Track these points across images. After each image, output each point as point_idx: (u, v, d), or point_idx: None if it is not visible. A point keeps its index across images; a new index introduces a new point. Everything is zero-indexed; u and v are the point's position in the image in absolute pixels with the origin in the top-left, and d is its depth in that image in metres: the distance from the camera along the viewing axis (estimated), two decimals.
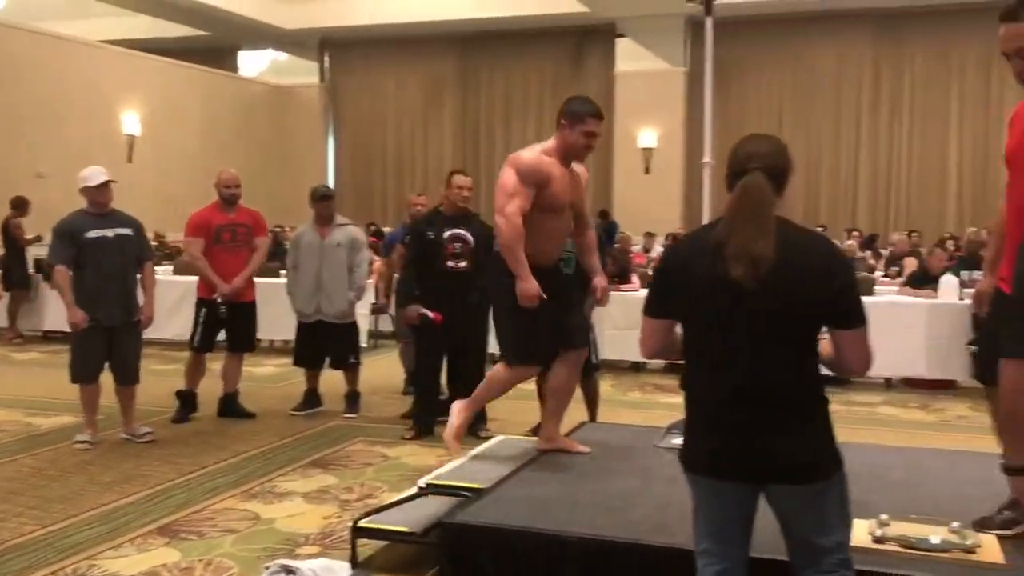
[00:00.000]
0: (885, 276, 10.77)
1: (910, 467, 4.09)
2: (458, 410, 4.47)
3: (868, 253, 12.93)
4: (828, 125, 16.73)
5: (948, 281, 8.12)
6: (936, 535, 3.12)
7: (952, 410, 7.30)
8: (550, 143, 4.29)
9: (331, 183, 19.72)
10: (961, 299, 7.74)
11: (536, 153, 4.25)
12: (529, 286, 4.12)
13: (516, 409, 6.86)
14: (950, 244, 12.69)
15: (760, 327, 2.32)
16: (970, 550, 3.06)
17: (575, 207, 4.41)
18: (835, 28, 16.32)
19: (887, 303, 7.94)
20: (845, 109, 16.73)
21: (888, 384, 8.22)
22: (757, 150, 2.40)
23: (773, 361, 2.34)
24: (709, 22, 4.70)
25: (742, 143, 2.45)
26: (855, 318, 2.37)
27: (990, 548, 3.07)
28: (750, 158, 2.38)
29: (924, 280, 8.56)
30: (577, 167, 4.39)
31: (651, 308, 2.54)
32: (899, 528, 3.16)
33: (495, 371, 4.50)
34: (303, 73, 19.87)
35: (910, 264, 10.51)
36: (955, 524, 3.14)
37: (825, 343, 2.42)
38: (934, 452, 4.63)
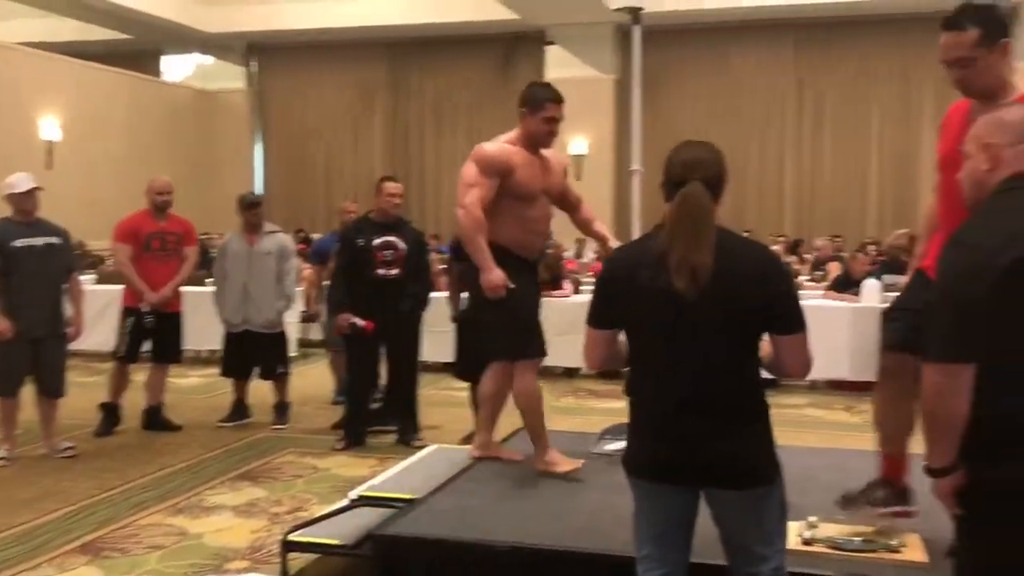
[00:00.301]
0: (810, 280, 11.00)
1: (837, 468, 4.17)
2: (541, 456, 4.24)
3: (793, 258, 13.19)
4: (754, 132, 17.04)
5: (870, 285, 8.34)
6: (862, 536, 3.18)
7: None
8: (513, 133, 4.24)
9: (259, 189, 19.41)
10: (883, 302, 7.93)
11: (498, 143, 4.20)
12: (493, 276, 4.00)
13: (450, 417, 6.84)
14: (871, 249, 13.02)
15: (703, 335, 2.35)
16: (895, 550, 3.13)
17: (552, 193, 4.31)
18: (760, 37, 16.63)
19: (812, 307, 8.03)
20: (770, 116, 17.06)
21: (813, 386, 8.39)
22: (695, 160, 2.42)
23: (716, 368, 2.37)
24: (637, 31, 4.74)
25: (678, 151, 2.47)
26: (795, 323, 2.42)
27: (914, 547, 3.15)
28: (688, 168, 2.40)
29: (847, 284, 8.76)
30: (550, 153, 4.33)
31: (594, 319, 2.54)
32: (827, 530, 3.22)
33: (521, 387, 4.26)
34: (229, 78, 19.55)
35: (834, 268, 10.75)
36: (880, 524, 3.21)
37: (765, 345, 2.46)
38: (859, 453, 4.72)
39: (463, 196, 4.09)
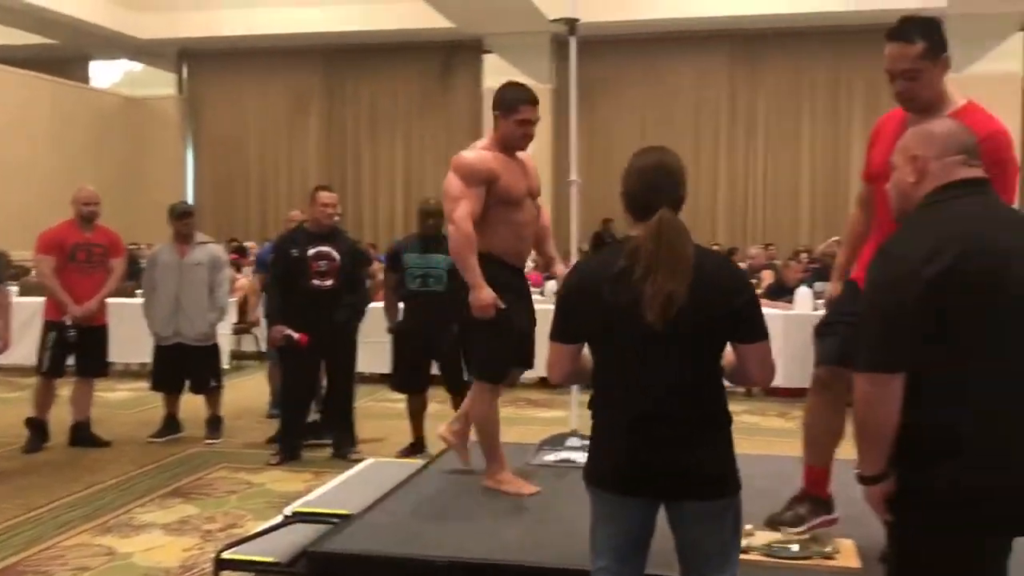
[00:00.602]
0: None
1: (772, 475, 4.20)
2: (493, 484, 4.06)
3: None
4: (688, 142, 17.26)
5: (803, 292, 8.49)
6: (797, 543, 3.22)
7: None
8: (486, 139, 4.12)
9: (190, 198, 19.06)
10: (815, 309, 8.08)
11: (475, 151, 4.07)
12: (483, 295, 3.82)
13: (387, 430, 6.77)
14: (804, 256, 13.26)
15: (668, 347, 2.35)
16: (829, 556, 3.17)
17: (533, 195, 4.16)
18: (694, 48, 16.87)
19: None
20: (704, 126, 17.30)
21: (748, 393, 8.50)
22: (664, 184, 2.41)
23: (681, 379, 2.38)
24: (573, 42, 4.74)
25: (643, 169, 2.44)
26: (758, 332, 2.44)
27: (847, 554, 3.19)
28: (656, 192, 2.39)
29: (780, 292, 8.90)
30: (524, 156, 4.19)
31: (558, 333, 2.53)
32: (763, 538, 3.25)
33: (473, 406, 4.11)
34: (160, 85, 19.16)
35: (767, 276, 10.91)
36: (814, 531, 3.25)
37: (728, 354, 2.47)
38: (794, 459, 4.78)
39: (452, 211, 3.91)
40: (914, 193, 2.24)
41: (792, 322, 8.10)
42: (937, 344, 2.07)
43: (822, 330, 3.28)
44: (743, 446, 5.07)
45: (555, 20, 4.86)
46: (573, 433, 4.71)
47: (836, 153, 16.72)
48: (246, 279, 10.17)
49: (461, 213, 3.88)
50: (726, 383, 2.50)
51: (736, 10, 15.14)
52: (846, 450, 3.89)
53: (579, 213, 4.97)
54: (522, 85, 4.14)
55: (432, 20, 15.38)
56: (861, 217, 3.37)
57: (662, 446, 2.37)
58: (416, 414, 6.15)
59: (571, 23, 4.58)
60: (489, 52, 16.84)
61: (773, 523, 3.26)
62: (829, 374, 3.20)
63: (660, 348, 2.35)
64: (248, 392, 8.29)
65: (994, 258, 2.07)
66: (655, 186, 2.41)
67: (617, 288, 2.35)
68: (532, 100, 4.02)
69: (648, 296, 2.30)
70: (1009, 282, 2.06)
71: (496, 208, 3.96)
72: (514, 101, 4.00)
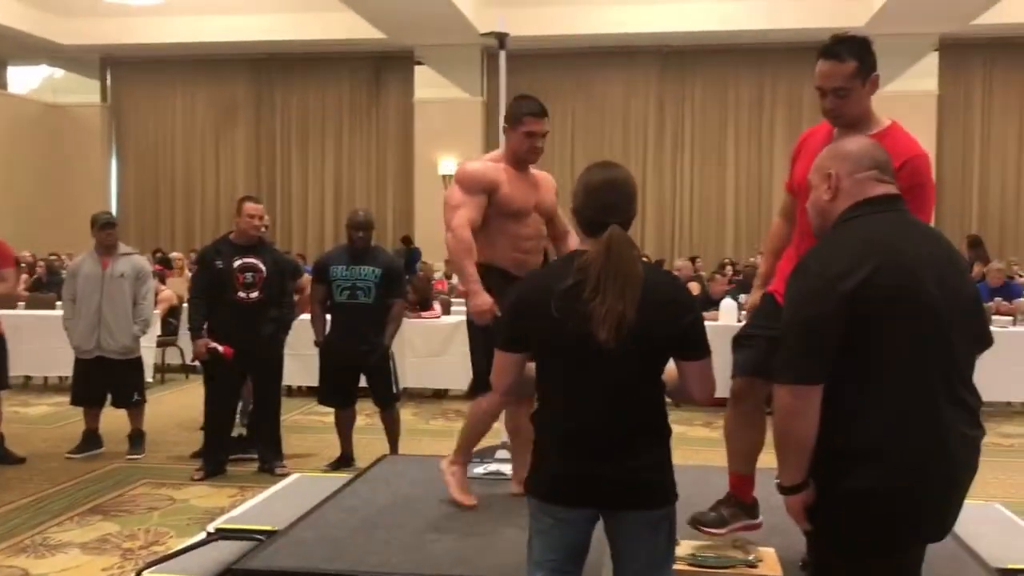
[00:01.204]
0: None
1: (697, 484, 4.26)
2: (445, 468, 4.01)
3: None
4: (617, 155, 17.44)
5: (727, 305, 8.64)
6: (719, 552, 3.26)
7: None
8: (498, 151, 4.07)
9: (113, 207, 18.65)
10: (739, 321, 8.22)
11: (481, 161, 4.03)
12: (480, 300, 3.78)
13: (315, 443, 6.70)
14: (729, 269, 13.50)
15: (613, 361, 2.37)
16: (752, 564, 3.22)
17: (543, 211, 4.07)
18: (624, 62, 17.08)
19: None
20: (632, 140, 17.51)
21: (676, 404, 8.60)
22: (616, 202, 2.43)
23: (625, 393, 2.40)
24: (503, 56, 4.76)
25: (595, 187, 2.45)
26: (702, 349, 2.48)
27: (769, 562, 3.25)
28: (608, 211, 2.41)
29: (706, 304, 9.04)
30: (541, 173, 4.12)
31: (504, 341, 2.54)
32: (686, 547, 3.29)
33: (476, 402, 4.01)
34: (82, 91, 18.71)
35: (694, 289, 11.06)
36: (736, 540, 3.30)
37: (669, 371, 2.50)
38: (719, 469, 4.85)
39: (450, 219, 3.86)
40: (831, 210, 2.31)
41: (717, 334, 8.08)
42: (854, 355, 2.13)
43: (740, 341, 3.34)
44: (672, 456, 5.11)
45: (485, 34, 4.87)
46: (502, 445, 4.71)
47: (760, 167, 17.08)
48: (170, 290, 9.98)
49: (459, 220, 3.85)
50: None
51: (664, 26, 15.39)
52: (769, 459, 3.98)
53: None
54: (529, 97, 4.03)
55: (363, 31, 15.31)
56: (783, 227, 3.43)
57: (603, 457, 2.39)
58: (344, 428, 6.09)
59: (501, 37, 4.60)
60: (420, 63, 16.82)
61: (696, 523, 3.30)
62: (746, 385, 3.26)
63: (605, 363, 2.37)
64: (172, 406, 8.12)
65: (907, 271, 2.14)
66: (605, 203, 2.42)
67: (565, 304, 2.36)
68: (537, 112, 3.92)
69: (599, 316, 2.32)
70: (921, 293, 2.14)
71: (497, 219, 3.93)
72: (519, 113, 3.93)
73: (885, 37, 14.94)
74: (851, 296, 2.09)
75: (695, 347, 2.47)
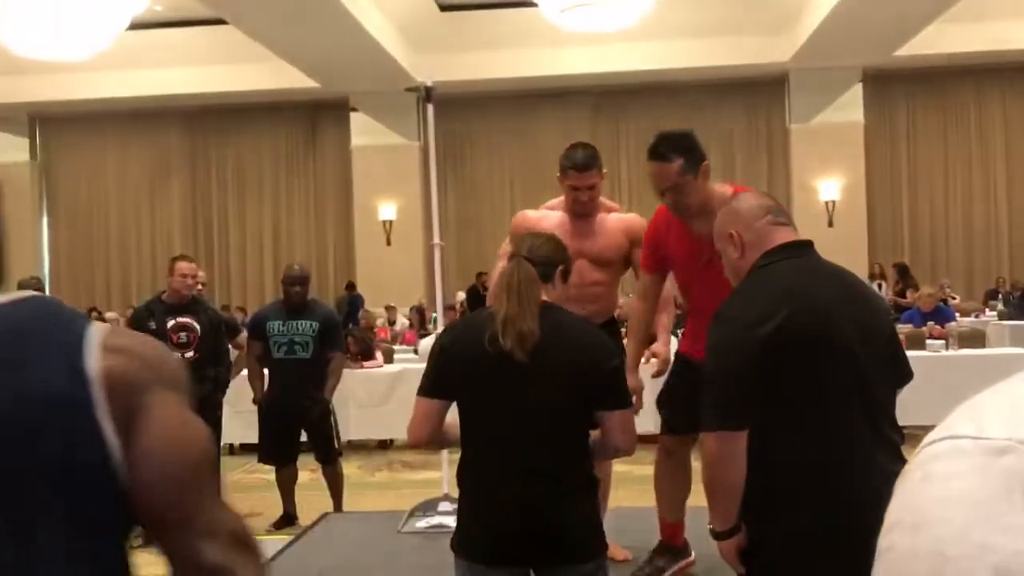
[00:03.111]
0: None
1: (640, 522, 4.26)
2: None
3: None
4: (555, 196, 17.60)
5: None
6: None
7: None
8: (560, 198, 3.98)
9: (46, 266, 18.25)
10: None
11: (539, 209, 4.02)
12: None
13: (257, 502, 6.55)
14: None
15: (536, 410, 2.38)
16: None
17: (591, 257, 3.81)
18: (558, 104, 17.24)
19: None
20: None
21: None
22: (532, 243, 2.58)
23: (549, 443, 2.40)
24: (430, 109, 4.77)
25: (526, 237, 2.68)
26: (623, 399, 2.49)
27: None
28: (521, 247, 2.55)
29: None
30: (614, 217, 3.95)
31: (426, 388, 2.52)
32: None
33: None
34: (11, 150, 18.34)
35: None
36: None
37: (594, 434, 2.52)
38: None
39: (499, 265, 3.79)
40: (743, 266, 2.37)
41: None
42: (778, 399, 2.17)
43: (660, 400, 3.49)
44: (617, 496, 5.14)
45: (410, 88, 4.88)
46: (445, 497, 4.66)
47: None
48: None
49: (495, 271, 3.74)
50: None
51: (596, 67, 15.61)
52: (699, 498, 4.00)
53: (444, 275, 4.99)
54: (576, 148, 3.90)
55: (296, 80, 15.27)
56: (645, 308, 3.57)
57: (533, 509, 2.37)
58: (286, 486, 5.98)
59: (427, 91, 4.60)
60: (355, 110, 16.83)
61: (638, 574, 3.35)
62: (670, 442, 3.42)
63: (525, 410, 2.38)
64: None
65: (821, 314, 2.20)
66: (524, 243, 2.59)
67: (486, 342, 2.39)
68: (577, 166, 3.79)
69: (499, 325, 2.37)
70: (837, 334, 2.19)
71: None
72: (563, 166, 3.85)
73: (810, 71, 15.43)
74: (768, 341, 2.13)
75: (617, 394, 2.49)
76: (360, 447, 8.54)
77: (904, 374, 2.39)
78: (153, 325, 5.66)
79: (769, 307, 2.17)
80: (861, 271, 15.58)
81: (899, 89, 16.69)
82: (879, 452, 2.20)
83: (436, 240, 4.98)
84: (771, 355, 2.13)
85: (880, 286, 15.12)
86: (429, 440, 2.60)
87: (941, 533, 0.58)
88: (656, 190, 3.16)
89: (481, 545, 2.43)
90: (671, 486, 3.47)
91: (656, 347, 3.89)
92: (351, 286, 16.16)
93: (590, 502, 2.48)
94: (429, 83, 4.64)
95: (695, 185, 3.11)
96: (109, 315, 13.21)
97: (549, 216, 3.96)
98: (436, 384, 2.52)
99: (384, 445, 8.78)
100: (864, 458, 2.17)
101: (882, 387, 2.27)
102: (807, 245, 2.37)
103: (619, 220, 4.01)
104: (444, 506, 4.54)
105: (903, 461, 2.28)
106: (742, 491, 2.19)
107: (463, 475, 2.51)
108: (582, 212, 3.86)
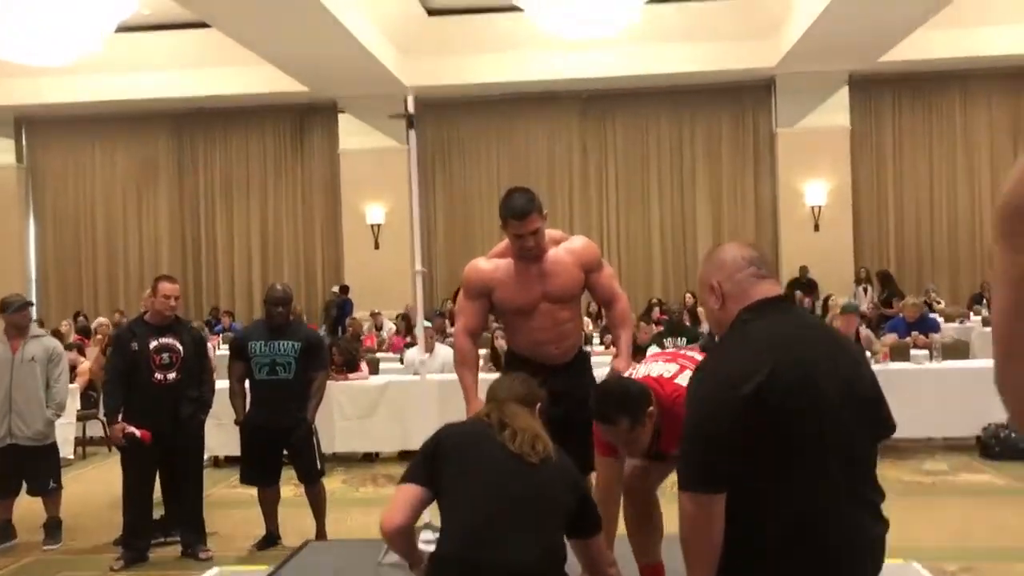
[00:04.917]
0: (600, 344, 11.38)
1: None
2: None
3: (588, 323, 13.62)
4: (543, 199, 17.55)
5: (653, 351, 8.71)
6: None
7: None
8: (505, 243, 3.95)
9: (32, 270, 18.18)
10: None
11: (486, 258, 3.99)
12: (469, 410, 3.65)
13: (239, 520, 6.53)
14: (657, 309, 13.67)
15: (523, 515, 2.53)
16: None
17: (554, 299, 3.86)
18: (546, 108, 17.21)
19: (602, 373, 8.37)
20: (558, 185, 17.58)
21: None
22: (510, 385, 2.87)
23: (535, 547, 2.50)
24: (412, 136, 4.75)
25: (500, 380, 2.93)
26: (597, 524, 2.65)
27: None
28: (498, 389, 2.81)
29: (634, 351, 9.13)
30: (562, 252, 3.93)
31: (413, 473, 2.58)
32: None
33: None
34: None
35: None
36: None
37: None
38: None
39: (457, 321, 3.98)
40: (724, 317, 2.36)
41: None
42: (757, 457, 2.15)
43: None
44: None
45: (393, 116, 4.86)
46: (427, 526, 4.65)
47: (683, 205, 17.30)
48: (89, 362, 9.75)
49: (457, 328, 3.99)
50: None
51: (583, 72, 15.58)
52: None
53: (425, 302, 4.99)
54: (512, 195, 3.84)
55: (285, 84, 15.24)
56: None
57: None
58: (268, 506, 5.97)
59: (409, 118, 4.60)
60: (343, 112, 16.78)
61: None
62: (636, 478, 3.47)
63: (513, 512, 2.53)
64: (93, 483, 7.90)
65: (803, 370, 2.18)
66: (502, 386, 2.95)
67: (487, 441, 2.59)
68: (516, 214, 3.73)
69: (511, 434, 2.56)
70: (818, 390, 2.18)
71: (506, 316, 4.02)
72: (503, 215, 3.79)
73: (797, 75, 15.48)
74: (751, 399, 2.11)
75: (591, 520, 2.63)
76: (345, 459, 8.53)
77: (887, 425, 2.38)
78: (135, 346, 5.66)
79: (752, 363, 2.16)
80: (847, 275, 15.65)
81: (885, 94, 16.75)
82: (858, 512, 2.21)
83: (418, 267, 4.97)
84: (753, 413, 2.11)
85: (866, 291, 15.18)
86: (403, 526, 2.70)
87: None
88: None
89: None
90: (639, 530, 3.49)
91: (616, 363, 3.98)
92: (345, 289, 16.16)
93: None
94: (411, 110, 4.61)
95: (646, 431, 3.00)
96: (98, 321, 13.14)
97: (501, 266, 3.93)
98: (424, 469, 2.74)
99: (369, 458, 8.77)
100: (842, 518, 2.17)
101: (864, 442, 2.27)
102: (784, 300, 2.39)
103: (569, 253, 3.98)
104: (426, 535, 4.52)
105: (883, 521, 2.29)
106: (719, 552, 2.19)
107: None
108: (532, 257, 3.85)
